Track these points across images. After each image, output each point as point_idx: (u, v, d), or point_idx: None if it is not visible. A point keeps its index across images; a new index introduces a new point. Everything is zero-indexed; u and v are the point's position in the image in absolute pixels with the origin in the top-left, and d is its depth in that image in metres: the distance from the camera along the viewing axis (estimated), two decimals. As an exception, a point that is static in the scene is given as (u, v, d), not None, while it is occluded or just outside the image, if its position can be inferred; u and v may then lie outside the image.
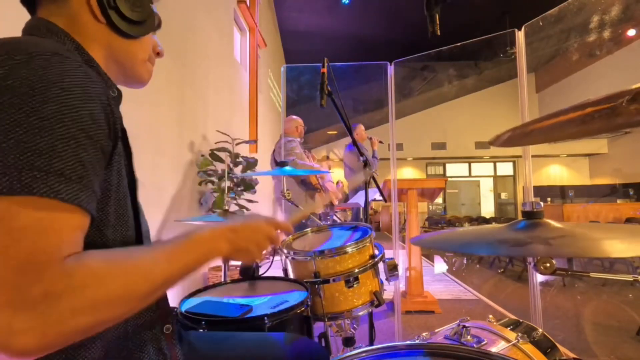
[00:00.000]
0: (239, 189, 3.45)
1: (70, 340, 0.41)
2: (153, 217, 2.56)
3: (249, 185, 3.48)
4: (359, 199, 3.38)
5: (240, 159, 3.60)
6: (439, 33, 0.84)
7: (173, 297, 0.99)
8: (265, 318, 0.91)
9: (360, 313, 1.15)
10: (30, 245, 0.39)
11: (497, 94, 12.35)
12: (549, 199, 10.84)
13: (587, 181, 12.12)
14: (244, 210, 3.46)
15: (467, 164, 13.42)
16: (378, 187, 1.74)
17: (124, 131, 0.55)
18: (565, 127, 0.56)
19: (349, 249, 1.14)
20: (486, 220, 8.16)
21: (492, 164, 13.36)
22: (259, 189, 3.66)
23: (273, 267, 1.35)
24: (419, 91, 11.92)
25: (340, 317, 1.14)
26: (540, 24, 2.13)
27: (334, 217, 2.37)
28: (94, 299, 0.41)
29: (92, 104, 0.46)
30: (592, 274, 0.67)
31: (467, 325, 0.88)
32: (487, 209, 13.24)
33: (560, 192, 11.44)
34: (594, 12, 7.59)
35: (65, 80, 0.44)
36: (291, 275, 1.24)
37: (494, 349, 0.83)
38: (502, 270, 4.81)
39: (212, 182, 3.32)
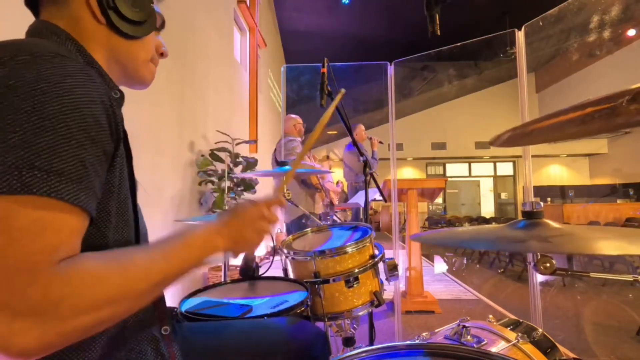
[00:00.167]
0: (239, 189, 3.45)
1: (71, 340, 0.41)
2: (153, 217, 2.56)
3: (249, 185, 3.48)
4: (359, 199, 3.38)
5: (240, 159, 3.60)
6: (439, 33, 0.84)
7: (173, 297, 0.99)
8: (265, 318, 0.91)
9: (360, 313, 1.15)
10: (28, 244, 0.39)
11: (497, 94, 12.35)
12: (549, 199, 10.84)
13: (587, 181, 12.13)
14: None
15: (467, 164, 13.43)
16: (378, 187, 1.74)
17: (125, 133, 0.55)
18: (565, 127, 0.56)
19: (349, 249, 1.14)
20: (486, 220, 8.16)
21: (492, 164, 13.37)
22: (259, 189, 3.66)
23: (273, 267, 1.35)
24: (419, 91, 11.92)
25: (340, 317, 1.14)
26: (540, 24, 2.13)
27: (334, 217, 2.37)
28: (93, 299, 0.41)
29: (94, 104, 0.46)
30: (592, 274, 0.67)
31: (467, 325, 0.88)
32: (487, 209, 13.25)
33: (560, 192, 11.45)
34: (594, 12, 7.60)
35: (67, 81, 0.44)
36: (291, 275, 1.24)
37: (494, 349, 0.83)
38: (502, 270, 4.81)
39: (212, 182, 3.32)
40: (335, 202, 3.21)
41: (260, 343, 0.74)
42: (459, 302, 3.36)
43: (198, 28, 3.65)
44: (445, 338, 0.89)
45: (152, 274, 0.48)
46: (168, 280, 0.50)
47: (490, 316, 1.01)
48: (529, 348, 0.85)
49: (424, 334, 0.91)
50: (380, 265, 1.24)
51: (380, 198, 1.80)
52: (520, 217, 0.65)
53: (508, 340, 0.86)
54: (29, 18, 0.60)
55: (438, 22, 0.84)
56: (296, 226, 2.81)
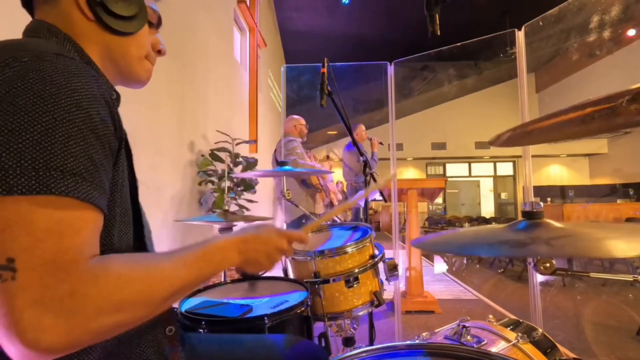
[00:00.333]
0: (239, 189, 3.44)
1: (94, 340, 0.42)
2: (153, 217, 2.56)
3: (249, 185, 3.48)
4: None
5: (240, 159, 3.59)
6: (439, 33, 0.84)
7: (173, 297, 0.99)
8: (265, 318, 0.91)
9: (360, 313, 1.15)
10: (54, 244, 0.40)
11: (497, 94, 12.34)
12: (549, 199, 10.83)
13: (587, 181, 12.12)
14: (244, 210, 3.45)
15: (467, 164, 13.42)
16: (378, 187, 1.74)
17: (124, 132, 0.55)
18: (565, 127, 0.56)
19: (349, 249, 1.14)
20: (486, 221, 8.15)
21: (492, 164, 13.36)
22: (259, 189, 3.66)
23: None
24: (419, 91, 11.92)
25: (340, 317, 1.14)
26: (540, 24, 2.13)
27: (334, 217, 2.37)
28: (118, 301, 0.42)
29: (99, 103, 0.47)
30: (592, 274, 0.67)
31: (467, 325, 0.88)
32: (487, 209, 13.24)
33: (560, 192, 11.44)
34: (594, 12, 7.59)
35: (73, 81, 0.44)
36: (291, 275, 1.24)
37: (494, 349, 0.83)
38: (502, 270, 4.81)
39: (212, 182, 3.32)
40: (336, 202, 3.21)
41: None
42: (459, 302, 3.36)
43: (198, 28, 3.65)
44: (445, 338, 0.89)
45: (173, 281, 0.49)
46: (187, 288, 0.52)
47: (490, 316, 1.01)
48: (529, 348, 0.85)
49: (424, 334, 0.91)
50: (380, 265, 1.24)
51: (380, 198, 1.80)
52: (520, 217, 0.65)
53: (508, 340, 0.87)
54: (27, 18, 0.60)
55: (438, 22, 0.84)
56: (296, 226, 2.81)
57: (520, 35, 2.15)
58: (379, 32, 9.83)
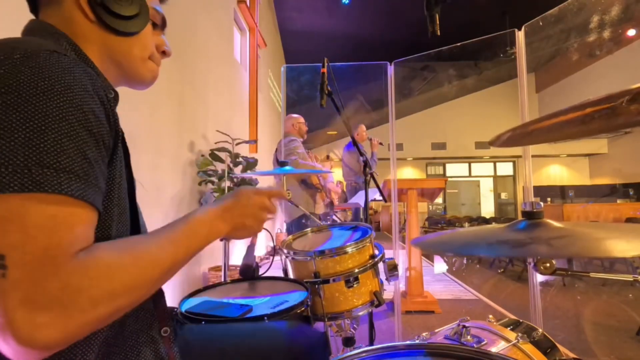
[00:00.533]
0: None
1: (92, 329, 0.43)
2: (153, 217, 2.56)
3: (248, 185, 3.48)
4: (359, 199, 3.38)
5: (240, 159, 3.59)
6: (439, 33, 0.84)
7: (173, 297, 0.99)
8: (265, 318, 0.91)
9: (360, 313, 1.15)
10: (45, 241, 0.39)
11: (497, 94, 12.35)
12: (549, 199, 10.84)
13: (587, 181, 12.12)
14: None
15: (467, 164, 13.42)
16: (378, 187, 1.74)
17: (121, 132, 0.55)
18: (565, 127, 0.56)
19: (349, 249, 1.14)
20: (486, 221, 8.15)
21: (492, 164, 13.37)
22: (258, 189, 3.65)
23: (273, 267, 1.35)
24: (419, 91, 11.92)
25: (340, 317, 1.14)
26: (540, 24, 2.13)
27: (334, 217, 2.37)
28: (111, 289, 0.43)
29: (92, 100, 0.46)
30: (592, 274, 0.67)
31: (467, 325, 0.88)
32: (487, 209, 13.24)
33: (560, 192, 11.44)
34: (594, 12, 7.59)
35: (66, 78, 0.44)
36: (291, 275, 1.24)
37: (494, 349, 0.83)
38: (502, 270, 4.81)
39: (212, 182, 3.32)
40: (336, 202, 3.21)
41: (260, 346, 0.74)
42: (459, 302, 3.36)
43: (198, 28, 3.65)
44: (445, 338, 0.89)
45: (163, 261, 0.50)
46: (177, 265, 0.52)
47: (490, 316, 1.01)
48: (529, 348, 0.85)
49: (424, 334, 0.91)
50: (380, 265, 1.24)
51: (380, 198, 1.80)
52: (520, 217, 0.65)
53: (508, 340, 0.87)
54: (27, 17, 0.60)
55: (438, 22, 0.84)
56: (296, 226, 2.81)
57: (520, 35, 2.15)
58: (379, 32, 9.82)
